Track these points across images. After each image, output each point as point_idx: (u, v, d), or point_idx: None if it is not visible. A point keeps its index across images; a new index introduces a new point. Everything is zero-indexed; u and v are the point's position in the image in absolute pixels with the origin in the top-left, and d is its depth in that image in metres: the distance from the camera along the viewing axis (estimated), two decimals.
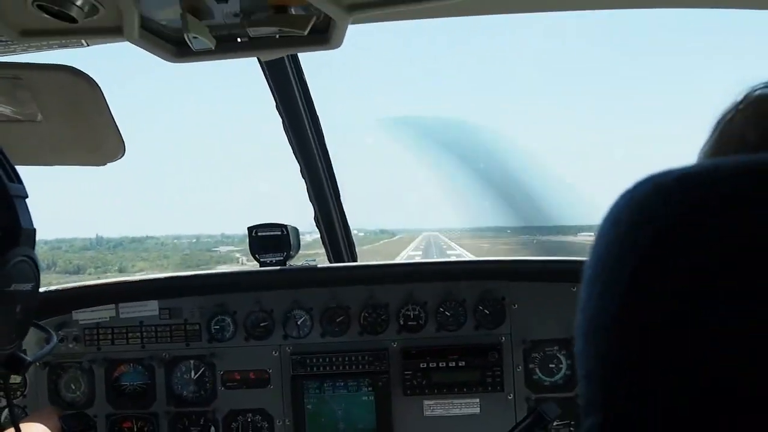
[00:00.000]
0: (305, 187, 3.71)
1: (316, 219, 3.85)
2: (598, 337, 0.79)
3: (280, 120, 3.37)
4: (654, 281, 0.71)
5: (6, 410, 3.51)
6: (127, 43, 2.05)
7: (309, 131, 3.46)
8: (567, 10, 2.44)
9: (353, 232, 4.01)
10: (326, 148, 3.59)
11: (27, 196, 1.58)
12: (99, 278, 3.84)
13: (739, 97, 1.10)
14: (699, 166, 0.74)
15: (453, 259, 3.57)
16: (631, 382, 0.73)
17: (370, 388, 3.37)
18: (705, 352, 0.67)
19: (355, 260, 4.07)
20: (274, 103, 3.28)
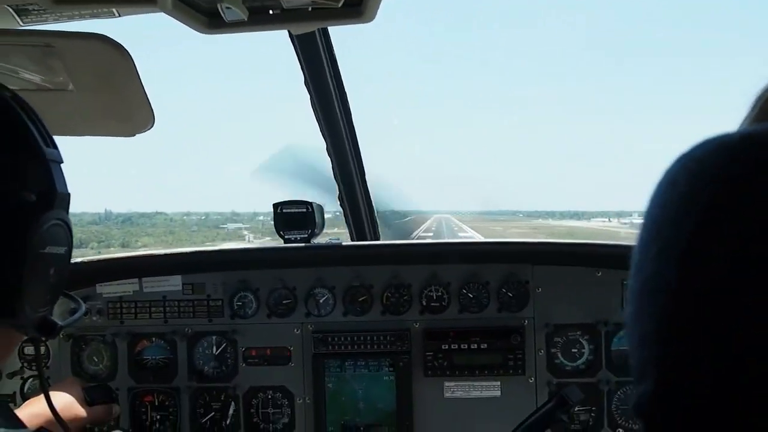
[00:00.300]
0: (330, 164, 3.69)
1: (340, 197, 3.84)
2: (654, 300, 0.78)
3: (308, 96, 3.36)
4: (711, 244, 0.69)
5: (29, 380, 3.55)
6: (157, 14, 2.05)
7: (337, 108, 3.44)
8: None
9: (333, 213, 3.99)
10: (353, 126, 3.58)
11: (62, 161, 1.58)
12: (121, 252, 3.86)
13: None
14: (762, 128, 0.73)
15: (477, 239, 3.55)
16: (685, 347, 0.72)
17: (391, 369, 3.37)
18: (758, 318, 0.66)
19: (378, 237, 4.06)
20: (303, 79, 3.26)
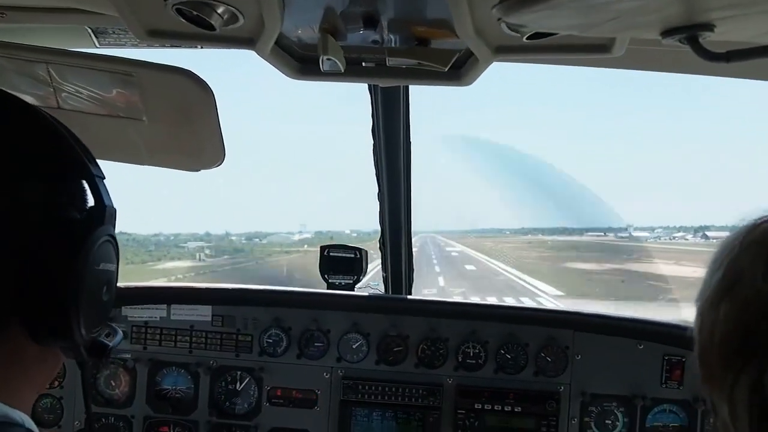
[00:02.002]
0: (378, 210, 3.61)
1: (381, 243, 3.76)
2: None
3: (372, 142, 3.28)
4: None
5: (42, 399, 3.44)
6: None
7: (402, 157, 3.37)
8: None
9: (347, 233, 3.91)
10: (410, 176, 3.50)
11: (105, 177, 1.52)
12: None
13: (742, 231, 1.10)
14: None
15: (520, 304, 3.46)
16: None
17: (419, 423, 3.27)
18: None
19: (411, 290, 3.97)
20: (372, 125, 3.19)
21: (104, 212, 1.42)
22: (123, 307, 3.40)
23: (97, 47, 2.29)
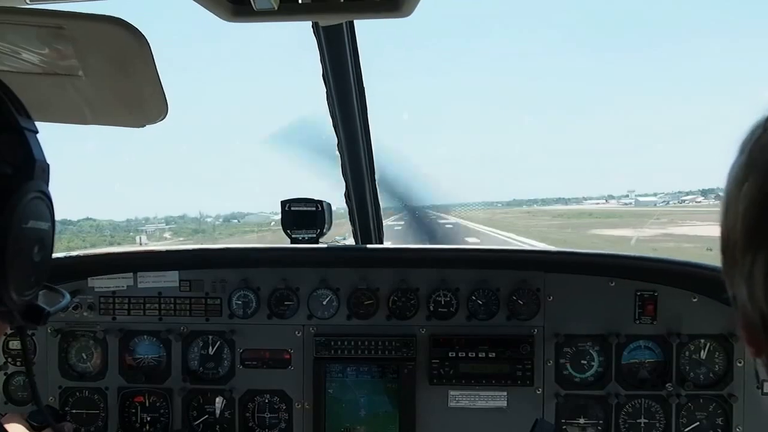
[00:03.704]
0: (339, 161, 3.55)
1: (346, 195, 3.71)
2: None
3: (325, 89, 3.20)
4: None
5: (15, 377, 3.40)
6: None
7: (355, 102, 3.30)
8: None
9: (335, 209, 3.87)
10: (368, 125, 3.44)
11: (37, 131, 1.44)
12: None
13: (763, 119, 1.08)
14: None
15: (489, 246, 3.41)
16: None
17: (394, 375, 3.26)
18: None
19: (382, 240, 3.94)
20: (321, 71, 3.11)
21: (33, 167, 1.35)
22: (89, 278, 3.35)
23: (27, 3, 2.22)
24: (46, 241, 1.44)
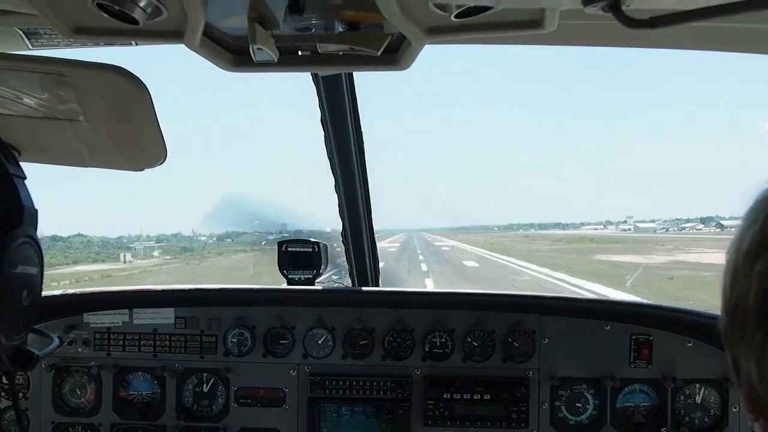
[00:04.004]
0: (337, 201, 3.58)
1: (343, 235, 3.73)
2: None
3: (323, 133, 3.25)
4: None
5: (8, 412, 3.38)
6: (176, 46, 1.94)
7: (353, 147, 3.34)
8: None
9: (328, 231, 3.87)
10: (365, 166, 3.47)
11: (25, 177, 1.46)
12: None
13: None
14: None
15: (485, 291, 3.42)
16: None
17: (389, 416, 3.25)
18: None
19: (378, 280, 3.96)
20: (320, 116, 3.15)
21: (22, 213, 1.37)
22: (84, 314, 3.35)
23: (30, 49, 2.25)
24: (35, 285, 1.45)
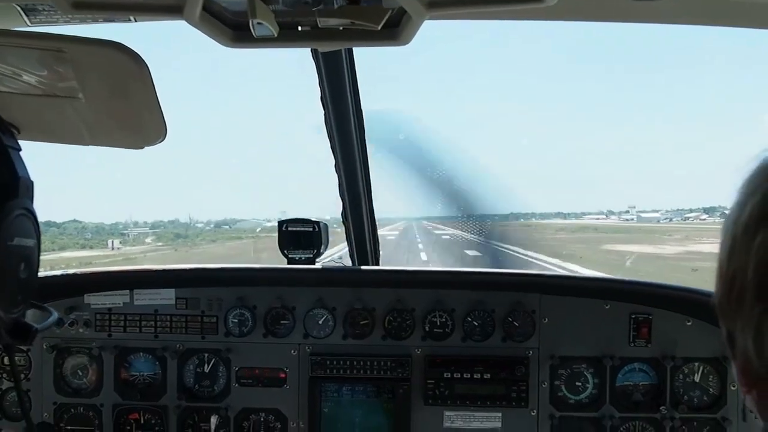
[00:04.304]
0: (337, 181, 3.58)
1: (343, 215, 3.73)
2: None
3: (323, 111, 3.24)
4: None
5: (9, 393, 3.39)
6: (176, 22, 1.93)
7: (353, 126, 3.33)
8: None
9: (328, 218, 3.88)
10: (366, 145, 3.47)
11: (20, 149, 1.45)
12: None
13: None
14: None
15: (485, 269, 3.42)
16: None
17: (390, 395, 3.26)
18: None
19: (378, 260, 3.96)
20: (320, 94, 3.15)
21: (17, 185, 1.36)
22: (85, 295, 3.36)
23: (28, 25, 2.24)
24: (32, 258, 1.44)
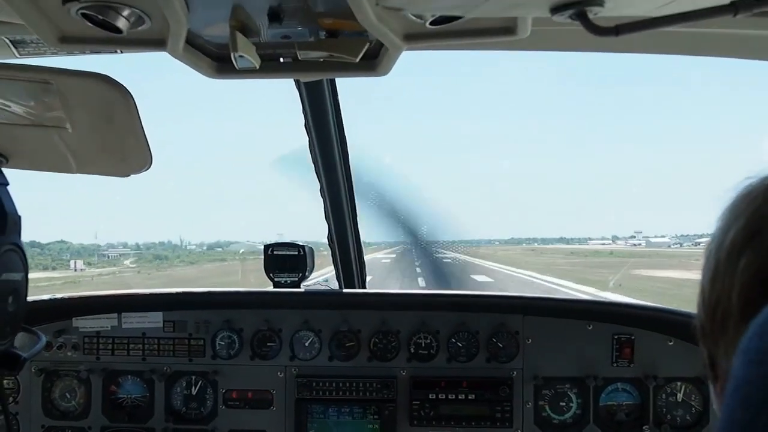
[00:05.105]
0: (323, 206, 3.64)
1: (329, 238, 3.78)
2: None
3: (307, 138, 3.31)
4: None
5: None
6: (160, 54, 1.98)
7: (337, 152, 3.39)
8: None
9: (324, 242, 3.91)
10: (350, 170, 3.53)
11: (8, 183, 1.49)
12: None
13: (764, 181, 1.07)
14: None
15: (467, 292, 3.47)
16: None
17: (375, 416, 3.29)
18: None
19: (365, 283, 4.01)
20: (304, 121, 3.21)
21: (5, 220, 1.40)
22: (73, 318, 3.38)
23: (17, 57, 2.28)
24: (20, 291, 1.48)
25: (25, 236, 1.64)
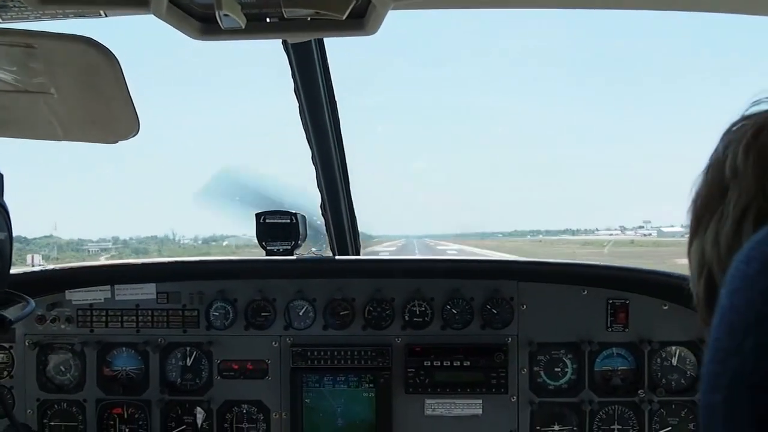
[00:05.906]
0: (314, 173, 3.61)
1: (322, 207, 3.76)
2: None
3: (297, 103, 3.27)
4: None
5: None
6: (144, 17, 1.95)
7: (327, 116, 3.36)
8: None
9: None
10: (341, 135, 3.50)
11: None
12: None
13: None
14: None
15: (462, 257, 3.47)
16: None
17: (371, 385, 3.29)
18: None
19: (359, 252, 3.99)
20: (293, 86, 3.17)
21: None
22: (66, 291, 3.37)
23: (0, 22, 2.25)
24: (4, 251, 1.45)
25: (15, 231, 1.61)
